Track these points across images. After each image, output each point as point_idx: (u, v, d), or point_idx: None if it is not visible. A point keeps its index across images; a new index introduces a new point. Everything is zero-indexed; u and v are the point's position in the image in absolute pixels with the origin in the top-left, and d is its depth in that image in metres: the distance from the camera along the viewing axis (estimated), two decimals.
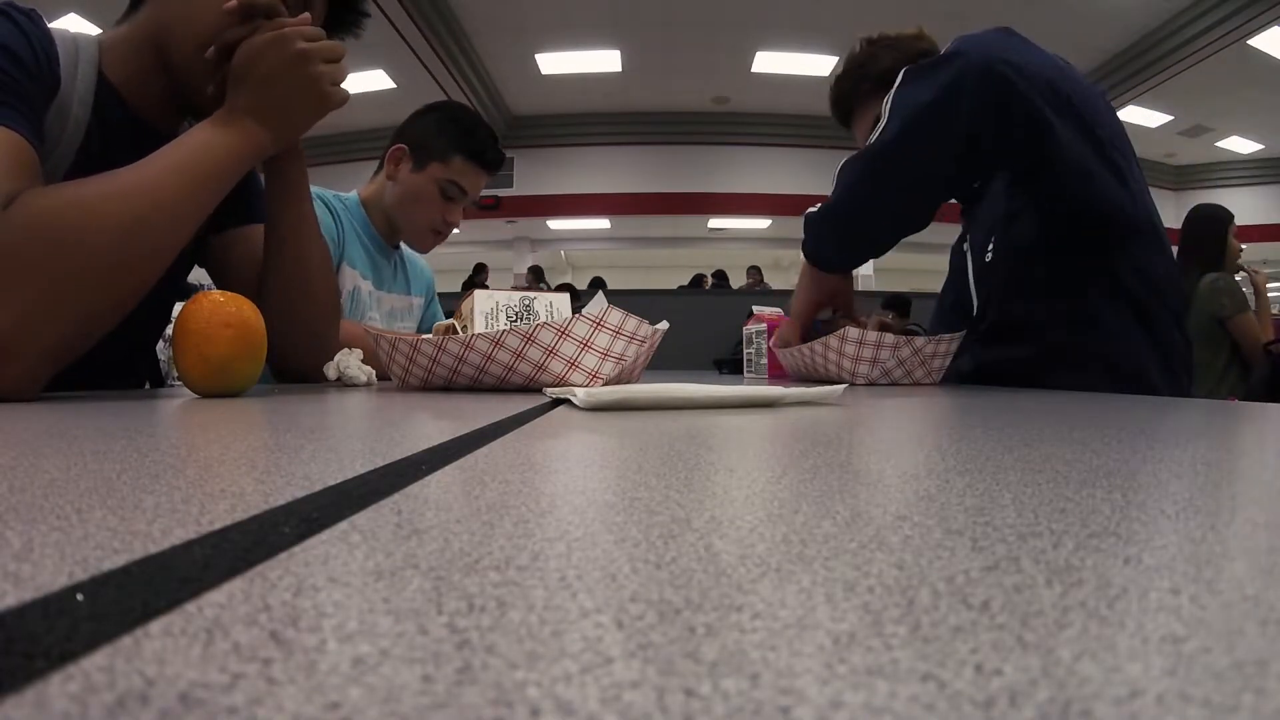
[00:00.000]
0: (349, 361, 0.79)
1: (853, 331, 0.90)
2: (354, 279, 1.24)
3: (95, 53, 0.69)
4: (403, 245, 1.43)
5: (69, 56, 0.66)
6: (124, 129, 0.70)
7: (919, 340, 0.92)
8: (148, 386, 0.89)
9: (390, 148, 1.32)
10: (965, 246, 1.16)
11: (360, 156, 7.52)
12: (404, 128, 1.34)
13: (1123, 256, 0.94)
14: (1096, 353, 0.94)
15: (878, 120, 0.92)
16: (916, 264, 6.91)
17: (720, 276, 7.64)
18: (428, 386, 0.69)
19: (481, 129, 1.33)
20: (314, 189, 1.27)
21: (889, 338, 0.91)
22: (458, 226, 1.36)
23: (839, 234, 1.01)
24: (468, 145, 1.30)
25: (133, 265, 0.57)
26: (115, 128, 0.69)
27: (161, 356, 2.06)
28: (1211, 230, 2.33)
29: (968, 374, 1.06)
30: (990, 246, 1.07)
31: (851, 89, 1.14)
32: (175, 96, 0.73)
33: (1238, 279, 2.28)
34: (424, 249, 1.39)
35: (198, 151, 0.62)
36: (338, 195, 1.32)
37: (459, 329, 0.74)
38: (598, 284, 5.64)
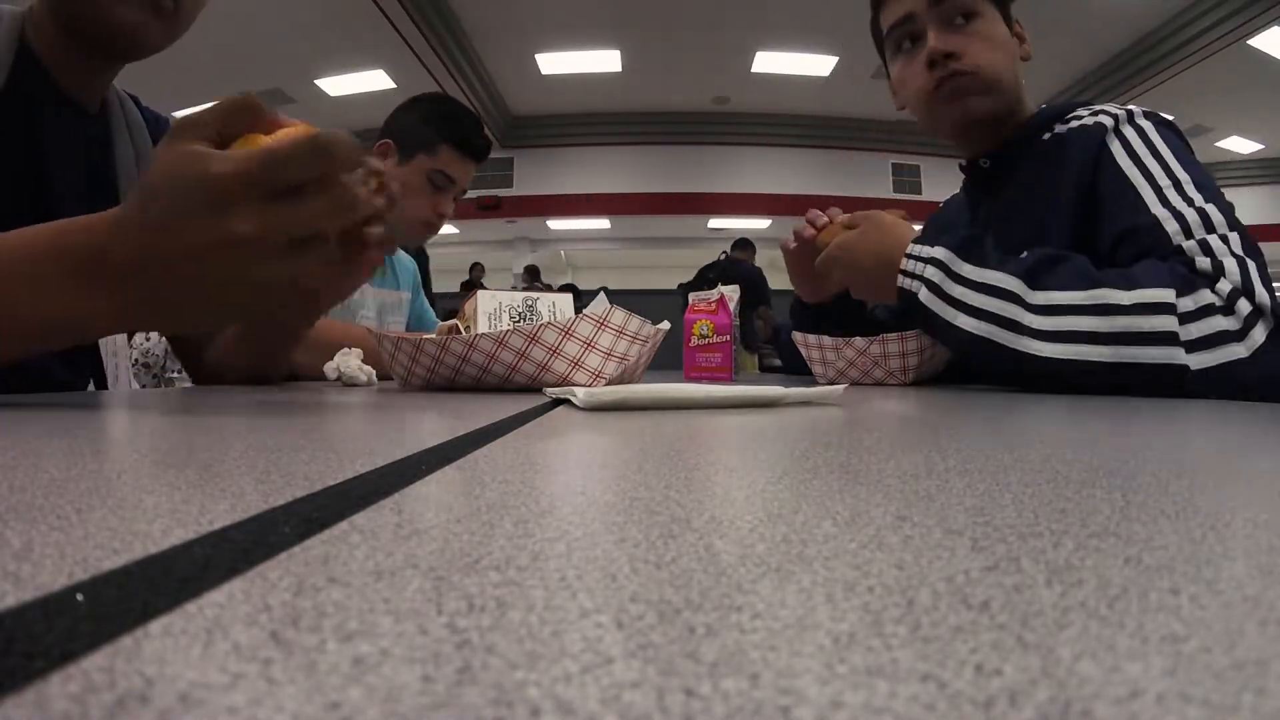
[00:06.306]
0: (349, 362, 0.79)
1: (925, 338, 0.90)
2: None
3: (18, 21, 0.69)
4: None
5: None
6: (45, 100, 0.69)
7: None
8: (91, 387, 0.87)
9: (375, 144, 1.33)
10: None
11: None
12: (388, 123, 1.35)
13: None
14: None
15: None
16: None
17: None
18: (430, 386, 0.69)
19: (466, 117, 1.33)
20: None
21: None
22: (449, 217, 1.37)
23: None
24: (453, 133, 1.30)
25: None
26: (36, 97, 0.69)
27: (158, 350, 2.02)
28: None
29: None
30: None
31: None
32: (88, 55, 0.70)
33: None
34: (417, 243, 1.39)
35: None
36: None
37: (462, 329, 0.74)
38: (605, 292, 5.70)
